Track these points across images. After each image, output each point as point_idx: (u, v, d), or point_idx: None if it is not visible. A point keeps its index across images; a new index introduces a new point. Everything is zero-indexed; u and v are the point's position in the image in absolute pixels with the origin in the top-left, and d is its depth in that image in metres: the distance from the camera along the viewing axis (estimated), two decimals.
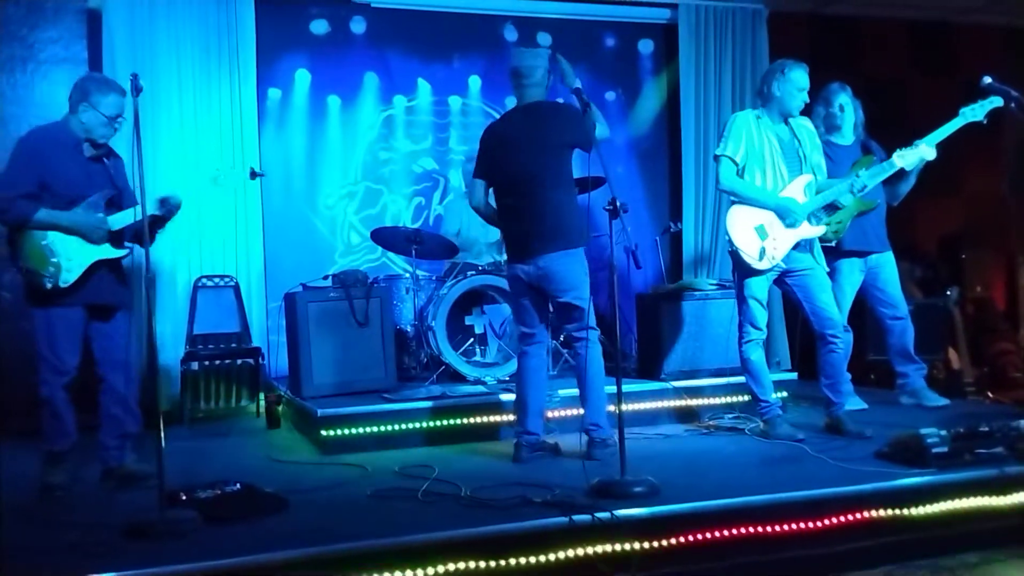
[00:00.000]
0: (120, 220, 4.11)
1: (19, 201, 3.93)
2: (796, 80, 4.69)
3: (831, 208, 4.91)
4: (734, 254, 4.75)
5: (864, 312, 5.50)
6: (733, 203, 4.77)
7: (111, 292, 4.18)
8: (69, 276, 4.00)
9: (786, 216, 4.64)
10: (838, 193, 4.71)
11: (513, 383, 5.22)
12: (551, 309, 4.51)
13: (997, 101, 4.87)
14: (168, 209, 4.17)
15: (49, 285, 3.96)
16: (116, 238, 4.15)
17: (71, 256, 4.01)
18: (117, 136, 4.23)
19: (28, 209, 3.94)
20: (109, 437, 4.19)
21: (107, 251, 4.12)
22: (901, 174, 5.21)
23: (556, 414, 5.12)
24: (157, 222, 4.20)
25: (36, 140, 4.09)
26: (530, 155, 4.36)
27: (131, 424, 4.23)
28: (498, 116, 7.32)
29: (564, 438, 4.71)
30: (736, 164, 4.70)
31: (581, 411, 4.52)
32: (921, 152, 4.85)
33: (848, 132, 5.43)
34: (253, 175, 4.44)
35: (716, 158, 4.79)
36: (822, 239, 4.88)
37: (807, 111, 5.13)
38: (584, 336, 4.37)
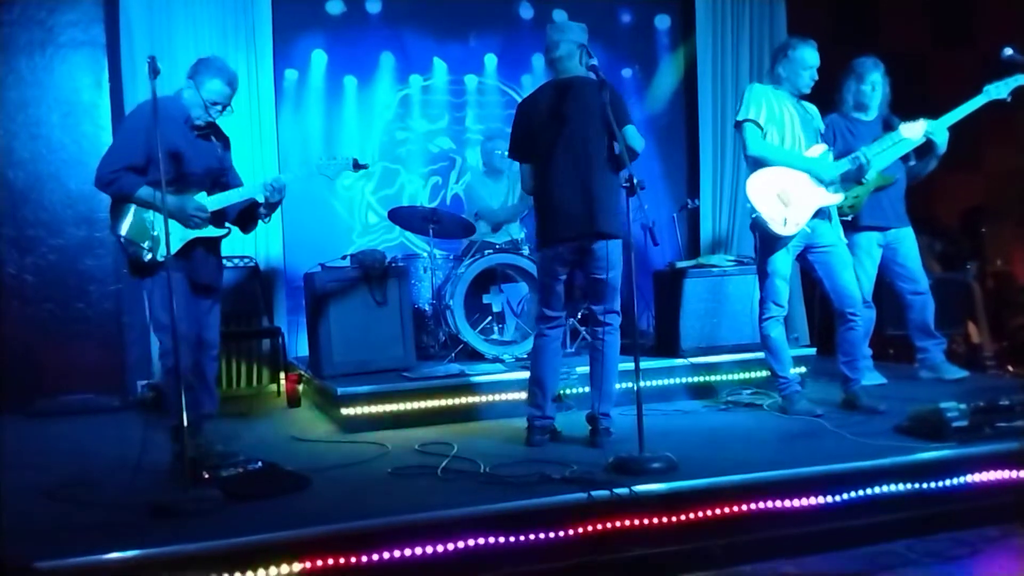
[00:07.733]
0: (220, 201, 4.06)
1: (125, 174, 3.91)
2: (802, 59, 4.66)
3: (850, 182, 4.88)
4: (757, 225, 4.70)
5: (882, 287, 5.47)
6: (752, 172, 4.71)
7: (209, 273, 4.16)
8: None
9: (819, 174, 4.61)
10: (856, 162, 4.67)
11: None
12: (579, 289, 4.41)
13: (1022, 79, 4.83)
14: (273, 193, 4.10)
15: (147, 258, 3.95)
16: (217, 218, 4.10)
17: (171, 232, 3.87)
18: None
19: (132, 184, 3.92)
20: None
21: (207, 230, 4.08)
22: (922, 153, 5.17)
23: (576, 391, 5.12)
24: (266, 207, 4.16)
25: (148, 112, 3.94)
26: (574, 130, 4.19)
27: (209, 404, 4.21)
28: (514, 95, 7.39)
29: (574, 417, 4.69)
30: (761, 128, 4.65)
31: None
32: (922, 126, 4.82)
33: (874, 109, 5.38)
34: (356, 166, 4.35)
35: (738, 125, 4.71)
36: (839, 213, 4.86)
37: (837, 86, 5.11)
38: (608, 322, 4.31)
